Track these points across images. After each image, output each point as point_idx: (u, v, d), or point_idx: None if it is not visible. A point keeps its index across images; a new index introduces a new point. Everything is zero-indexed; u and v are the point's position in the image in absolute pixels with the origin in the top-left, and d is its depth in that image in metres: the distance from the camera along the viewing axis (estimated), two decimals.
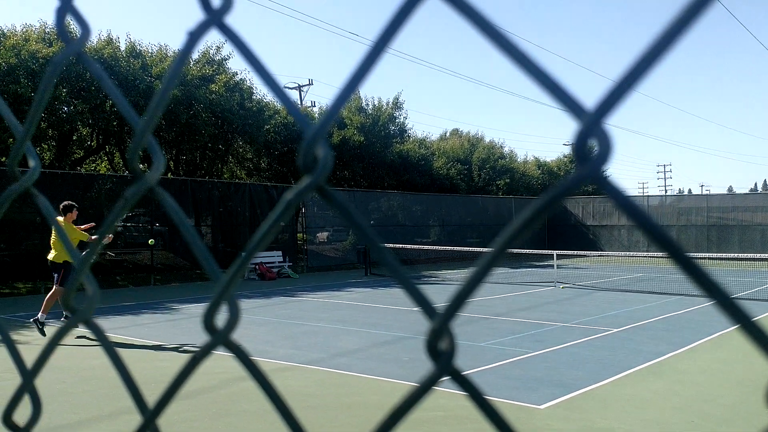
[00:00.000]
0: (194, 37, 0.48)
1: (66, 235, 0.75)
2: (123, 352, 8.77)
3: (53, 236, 10.07)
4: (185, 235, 0.50)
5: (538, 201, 0.35)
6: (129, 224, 21.47)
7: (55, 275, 9.79)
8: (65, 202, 10.03)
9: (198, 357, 0.49)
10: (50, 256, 9.81)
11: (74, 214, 10.03)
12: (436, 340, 0.39)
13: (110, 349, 0.57)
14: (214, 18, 0.47)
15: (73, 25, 20.47)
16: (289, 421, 0.47)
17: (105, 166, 26.28)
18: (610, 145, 0.33)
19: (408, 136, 32.31)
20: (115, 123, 20.86)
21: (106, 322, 11.70)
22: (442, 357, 0.39)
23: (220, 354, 8.78)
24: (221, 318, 0.50)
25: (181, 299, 15.26)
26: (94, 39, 20.98)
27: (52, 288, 9.97)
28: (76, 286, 0.66)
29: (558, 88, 0.34)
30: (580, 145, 0.33)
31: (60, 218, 9.75)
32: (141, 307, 13.90)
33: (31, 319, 9.89)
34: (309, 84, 45.17)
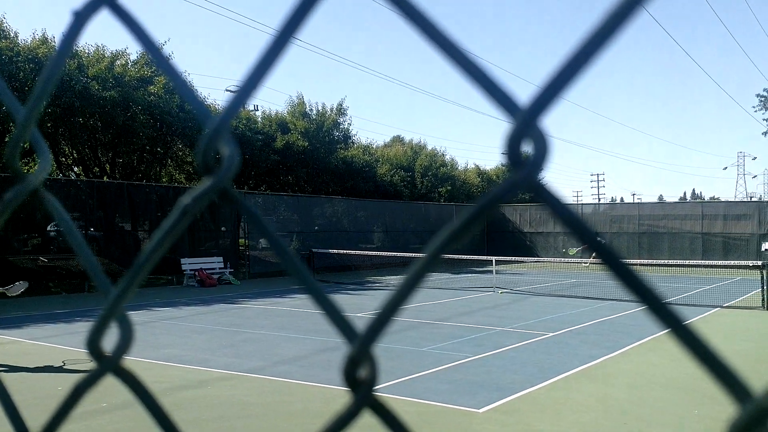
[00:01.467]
0: (81, 17, 0.42)
1: None
2: (48, 361, 8.39)
3: None
4: (72, 244, 0.44)
5: (468, 212, 0.31)
6: (62, 229, 20.60)
7: None
8: None
9: (81, 388, 0.43)
10: None
11: None
12: (355, 368, 0.34)
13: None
14: None
15: (6, 23, 19.56)
16: None
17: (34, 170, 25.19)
18: (546, 148, 0.29)
19: (352, 142, 32.28)
20: (49, 125, 20.03)
21: (38, 331, 11.18)
22: (362, 387, 0.34)
23: (158, 362, 8.51)
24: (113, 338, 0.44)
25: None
26: (28, 38, 20.15)
27: None
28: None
29: (487, 80, 0.30)
30: (513, 148, 0.29)
31: None
32: (75, 314, 13.35)
33: None
34: None
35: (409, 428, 0.35)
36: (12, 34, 19.48)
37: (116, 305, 0.41)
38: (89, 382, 0.43)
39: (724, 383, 0.27)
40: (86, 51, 21.22)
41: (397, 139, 42.44)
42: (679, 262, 23.02)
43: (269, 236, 0.37)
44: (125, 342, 0.42)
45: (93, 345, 0.42)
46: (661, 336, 10.56)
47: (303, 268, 0.37)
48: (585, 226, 0.29)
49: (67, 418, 0.45)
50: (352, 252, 23.38)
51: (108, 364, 0.42)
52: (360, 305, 14.45)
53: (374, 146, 36.12)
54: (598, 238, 0.29)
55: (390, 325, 0.34)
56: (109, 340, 0.42)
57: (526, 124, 0.29)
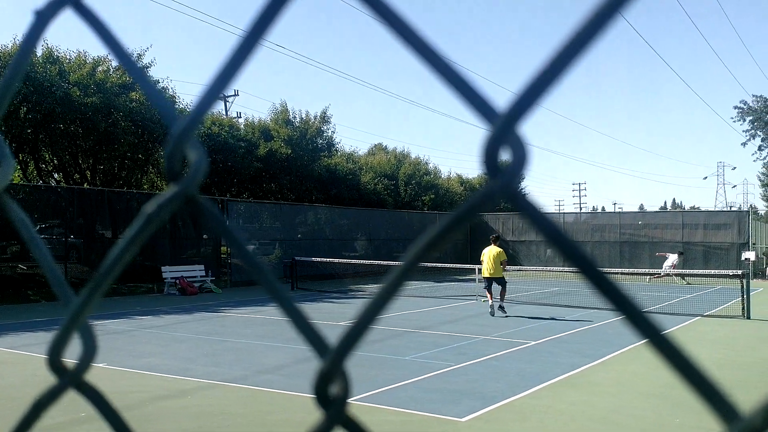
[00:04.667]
0: (43, 17, 0.40)
1: None
2: (26, 370, 8.25)
3: None
4: (34, 252, 0.42)
5: (446, 220, 0.30)
6: (43, 236, 20.37)
7: None
8: None
9: (42, 402, 0.41)
10: None
11: None
12: (326, 384, 0.32)
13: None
14: None
15: None
16: None
17: (18, 176, 24.85)
18: (525, 155, 0.28)
19: (336, 150, 32.26)
20: (29, 131, 19.79)
21: (16, 339, 11.00)
22: (334, 404, 0.33)
23: (137, 372, 8.39)
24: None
25: (97, 314, 14.54)
26: (8, 43, 19.92)
27: None
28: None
29: (464, 84, 0.29)
30: (490, 155, 0.28)
31: None
32: (54, 323, 13.15)
33: None
34: (235, 95, 44.44)
35: None
36: None
37: (78, 316, 0.39)
38: (50, 397, 0.41)
39: (709, 401, 0.26)
40: (67, 57, 21.03)
41: (379, 147, 42.50)
42: (659, 271, 23.24)
43: (237, 245, 0.35)
44: (88, 355, 0.40)
45: (53, 358, 0.40)
46: (642, 345, 10.61)
47: (273, 278, 0.35)
48: (562, 234, 0.28)
49: None
50: (335, 260, 23.30)
51: (70, 379, 0.40)
52: (342, 314, 14.39)
53: (358, 154, 36.14)
54: (575, 247, 0.28)
55: (364, 337, 0.33)
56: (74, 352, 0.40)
57: (503, 130, 0.28)
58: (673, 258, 24.93)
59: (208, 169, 0.35)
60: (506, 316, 14.32)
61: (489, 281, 14.87)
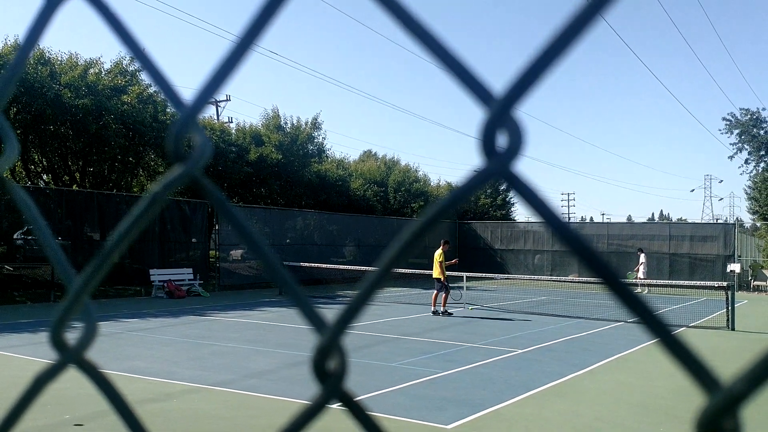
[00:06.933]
0: (52, 1, 0.41)
1: None
2: (16, 371, 8.18)
3: None
4: (37, 233, 0.43)
5: (446, 198, 0.31)
6: (29, 237, 20.21)
7: None
8: None
9: (43, 379, 0.42)
10: None
11: None
12: (324, 359, 0.33)
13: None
14: None
15: None
16: None
17: (6, 176, 24.64)
18: (521, 138, 0.29)
19: (326, 156, 32.26)
20: (19, 131, 19.63)
21: (1, 340, 10.90)
22: (331, 378, 0.34)
23: (123, 374, 8.33)
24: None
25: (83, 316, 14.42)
26: (0, 44, 19.78)
27: None
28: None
29: (463, 70, 0.30)
30: (487, 137, 0.29)
31: None
32: (39, 324, 13.03)
33: None
34: (227, 100, 44.38)
35: (376, 422, 0.35)
36: None
37: (80, 296, 0.40)
38: (51, 373, 0.42)
39: (692, 373, 0.28)
40: (59, 58, 20.92)
41: (369, 154, 42.55)
42: (646, 281, 23.34)
43: (240, 227, 0.36)
44: (89, 334, 0.41)
45: (56, 335, 0.41)
46: (628, 354, 10.67)
47: (275, 259, 0.36)
48: (557, 216, 0.29)
49: (27, 409, 0.43)
50: (324, 266, 23.26)
51: (70, 356, 0.41)
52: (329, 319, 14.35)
53: (348, 161, 36.15)
54: (568, 228, 0.29)
55: (361, 315, 0.34)
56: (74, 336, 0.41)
57: (500, 114, 0.29)
58: (642, 258, 25.34)
59: (212, 152, 0.36)
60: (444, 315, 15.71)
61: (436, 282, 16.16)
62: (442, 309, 15.85)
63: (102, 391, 0.41)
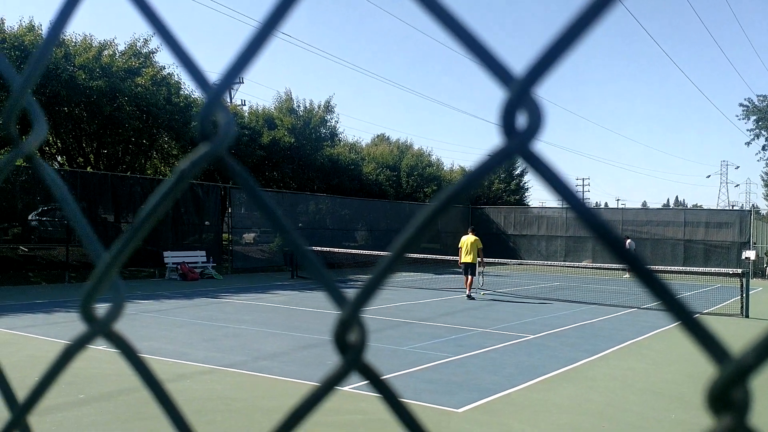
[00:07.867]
0: None
1: None
2: (32, 351, 8.31)
3: None
4: (65, 209, 0.44)
5: (469, 174, 0.32)
6: (44, 219, 20.42)
7: None
8: None
9: (72, 350, 0.43)
10: None
11: None
12: (345, 332, 0.35)
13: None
14: None
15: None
16: (179, 424, 0.42)
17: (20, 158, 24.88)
18: (540, 118, 0.30)
19: (339, 140, 32.23)
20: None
21: (17, 320, 11.07)
22: (351, 350, 0.35)
23: (147, 356, 8.41)
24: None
25: (97, 298, 14.59)
26: (14, 25, 19.87)
27: None
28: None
29: (484, 51, 0.31)
30: (507, 117, 0.30)
31: None
32: (54, 305, 13.23)
33: None
34: (240, 82, 44.37)
35: (396, 392, 0.36)
36: None
37: (108, 271, 0.41)
38: (80, 343, 0.43)
39: (703, 345, 0.28)
40: (73, 40, 21.00)
41: (382, 138, 42.47)
42: (660, 267, 23.24)
43: (262, 203, 0.37)
44: (117, 306, 0.43)
45: (85, 307, 0.42)
46: (640, 341, 10.66)
47: (297, 237, 0.37)
48: (576, 195, 0.29)
49: (57, 379, 0.45)
50: (336, 250, 23.34)
51: (99, 327, 0.42)
52: None
53: (360, 144, 36.11)
54: (586, 207, 0.30)
55: (380, 289, 0.35)
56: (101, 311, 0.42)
57: (520, 94, 0.30)
58: (627, 244, 25.19)
59: (236, 132, 0.37)
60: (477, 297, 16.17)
61: (465, 267, 16.48)
62: (468, 292, 16.35)
63: (129, 362, 0.43)
